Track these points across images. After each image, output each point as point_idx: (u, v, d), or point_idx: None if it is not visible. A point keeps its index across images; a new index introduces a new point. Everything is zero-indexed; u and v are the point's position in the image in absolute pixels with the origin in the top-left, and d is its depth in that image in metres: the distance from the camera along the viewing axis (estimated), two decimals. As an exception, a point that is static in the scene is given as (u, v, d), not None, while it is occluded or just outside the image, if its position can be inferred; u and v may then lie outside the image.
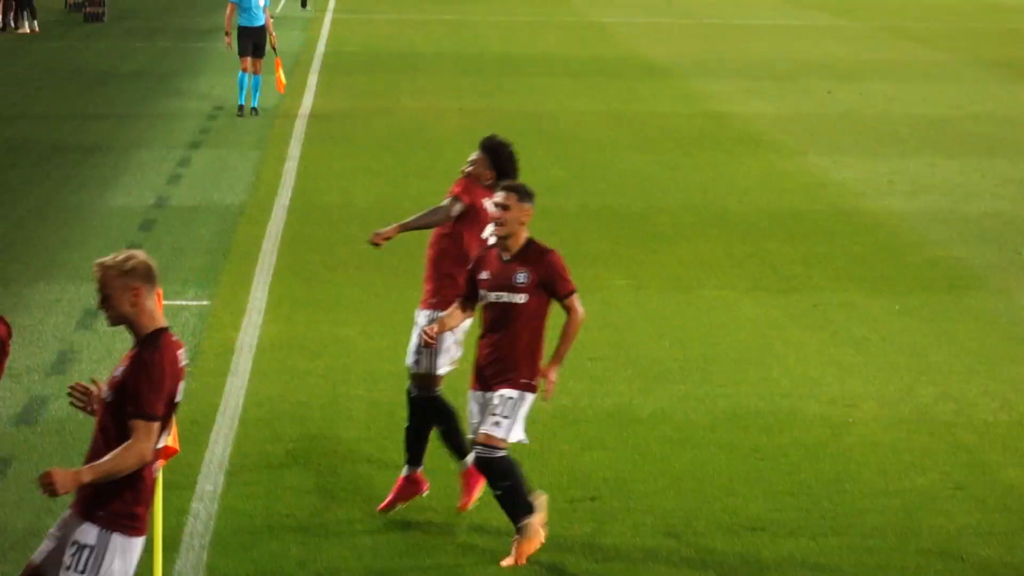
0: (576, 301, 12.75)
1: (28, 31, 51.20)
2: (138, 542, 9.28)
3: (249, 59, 34.97)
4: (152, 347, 9.10)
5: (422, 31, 52.60)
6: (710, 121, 36.25)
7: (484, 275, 12.79)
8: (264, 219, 25.18)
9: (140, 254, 9.26)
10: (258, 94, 35.15)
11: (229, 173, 28.99)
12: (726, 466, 14.93)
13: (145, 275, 9.11)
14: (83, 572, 9.20)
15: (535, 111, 37.07)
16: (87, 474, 9.01)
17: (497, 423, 12.54)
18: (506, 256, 12.71)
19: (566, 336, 12.77)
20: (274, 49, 35.56)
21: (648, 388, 17.22)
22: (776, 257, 23.36)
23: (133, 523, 9.18)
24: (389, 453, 15.00)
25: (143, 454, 9.12)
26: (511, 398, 12.61)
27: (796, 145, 33.61)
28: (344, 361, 17.95)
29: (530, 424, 15.75)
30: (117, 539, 9.22)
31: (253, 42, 35.12)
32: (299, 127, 33.97)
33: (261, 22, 35.36)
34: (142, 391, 9.01)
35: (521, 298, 12.60)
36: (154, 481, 9.64)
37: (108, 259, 9.14)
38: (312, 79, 40.74)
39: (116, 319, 9.12)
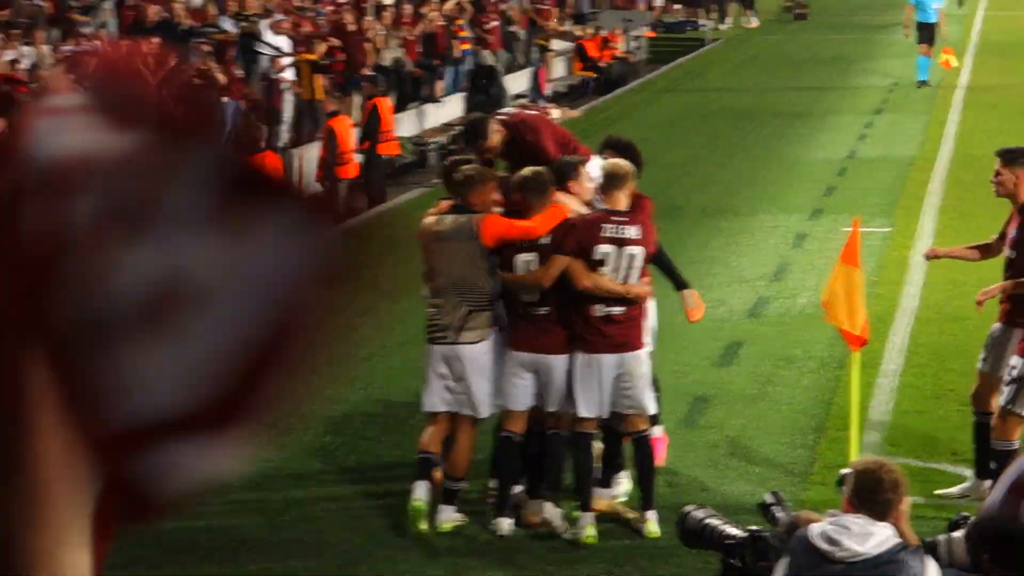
0: None
1: (753, 26, 51.55)
2: None
3: (925, 45, 34.54)
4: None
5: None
6: None
7: None
8: (929, 168, 24.70)
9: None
10: (928, 71, 34.44)
11: (903, 133, 28.53)
12: None
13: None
14: None
15: None
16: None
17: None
18: None
19: None
20: (943, 39, 34.80)
21: None
22: None
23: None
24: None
25: (539, 278, 9.91)
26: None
27: None
28: (994, 275, 17.14)
29: None
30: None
31: (928, 34, 34.60)
32: (958, 97, 33.10)
33: (934, 19, 34.70)
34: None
35: None
36: None
37: None
38: (968, 60, 39.55)
39: None
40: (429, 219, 10.22)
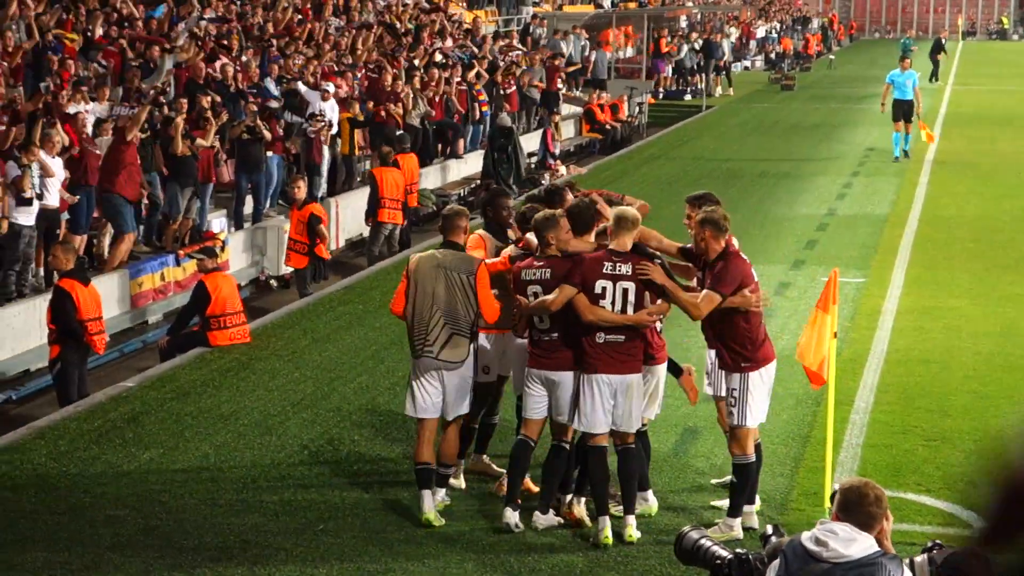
0: None
1: (729, 94, 51.69)
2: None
3: (901, 123, 33.36)
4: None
5: (1016, 98, 50.31)
6: None
7: None
8: (902, 224, 24.63)
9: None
10: (908, 143, 33.50)
11: (878, 193, 28.47)
12: None
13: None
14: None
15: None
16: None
17: None
18: None
19: None
20: (919, 115, 33.88)
21: None
22: None
23: None
24: (990, 387, 14.50)
25: (548, 304, 10.21)
26: None
27: None
28: (956, 323, 17.38)
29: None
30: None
31: (903, 111, 33.39)
32: (927, 163, 33.08)
33: (910, 96, 33.33)
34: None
35: None
36: None
37: None
38: (937, 129, 39.52)
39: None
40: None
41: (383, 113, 27.21)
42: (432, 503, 10.62)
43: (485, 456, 11.74)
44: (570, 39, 43.98)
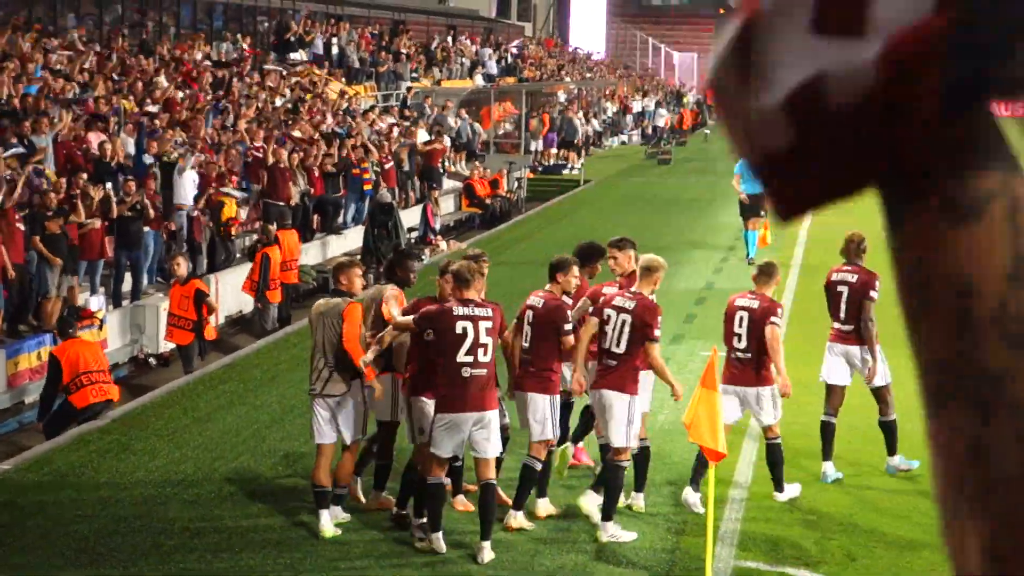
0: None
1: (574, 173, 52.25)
2: None
3: (751, 220, 29.60)
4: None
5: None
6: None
7: None
8: (778, 298, 25.05)
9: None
10: (755, 247, 29.73)
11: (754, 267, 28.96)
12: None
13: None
14: None
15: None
16: None
17: None
18: None
19: None
20: (766, 211, 31.47)
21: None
22: None
23: None
24: (863, 458, 14.79)
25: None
26: None
27: None
28: (832, 396, 17.69)
29: None
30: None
31: (752, 206, 29.21)
32: (802, 236, 33.75)
33: (758, 190, 29.73)
34: None
35: None
36: None
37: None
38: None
39: None
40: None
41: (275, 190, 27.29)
42: (329, 520, 11.85)
43: (384, 493, 12.63)
44: (449, 112, 44.32)
